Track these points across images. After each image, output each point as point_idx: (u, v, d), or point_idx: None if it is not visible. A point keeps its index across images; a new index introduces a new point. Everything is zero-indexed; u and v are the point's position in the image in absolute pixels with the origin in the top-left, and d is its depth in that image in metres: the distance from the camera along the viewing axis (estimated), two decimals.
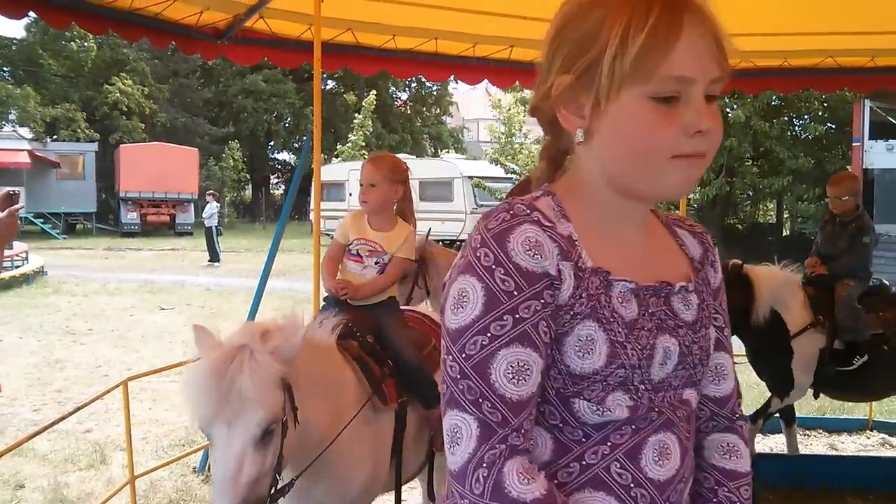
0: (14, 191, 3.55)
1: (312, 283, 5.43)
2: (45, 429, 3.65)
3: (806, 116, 21.74)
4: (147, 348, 10.47)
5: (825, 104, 20.78)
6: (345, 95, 43.53)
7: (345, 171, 30.32)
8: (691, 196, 20.02)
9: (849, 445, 6.62)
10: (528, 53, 6.24)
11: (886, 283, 5.92)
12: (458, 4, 5.53)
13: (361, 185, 3.93)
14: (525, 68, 6.40)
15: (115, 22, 4.68)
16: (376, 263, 3.65)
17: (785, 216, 29.33)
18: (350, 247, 3.70)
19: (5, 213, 3.51)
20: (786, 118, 20.85)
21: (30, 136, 36.94)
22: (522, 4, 5.65)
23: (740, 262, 5.23)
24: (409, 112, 50.67)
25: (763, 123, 19.75)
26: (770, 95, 18.83)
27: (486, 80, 6.58)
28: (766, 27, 6.04)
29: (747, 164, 20.94)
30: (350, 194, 30.05)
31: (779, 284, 5.37)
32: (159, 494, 5.42)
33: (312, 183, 23.51)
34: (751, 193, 23.59)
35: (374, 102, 35.99)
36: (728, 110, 20.34)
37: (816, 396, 6.08)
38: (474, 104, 57.21)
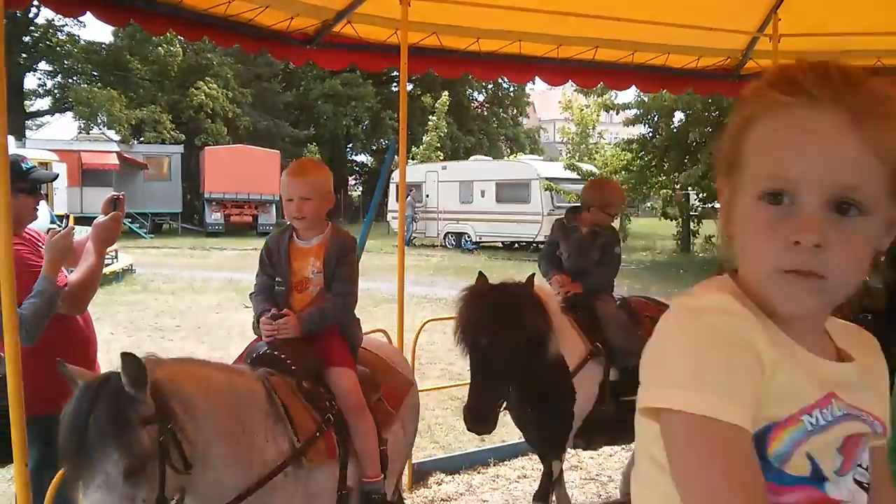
0: (119, 195, 3.69)
1: (397, 284, 5.52)
2: None
3: None
4: (233, 345, 10.68)
5: None
6: (421, 98, 43.80)
7: (421, 173, 30.58)
8: None
9: None
10: (613, 54, 6.21)
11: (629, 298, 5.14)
12: (542, 6, 5.54)
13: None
14: (610, 69, 6.38)
15: (210, 28, 4.82)
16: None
17: None
18: None
19: (109, 216, 3.65)
20: None
21: (117, 138, 38.21)
22: (607, 5, 5.63)
23: (532, 276, 4.12)
24: (485, 113, 50.70)
25: None
26: None
27: (570, 81, 6.54)
28: (858, 26, 5.89)
29: None
30: (427, 196, 30.28)
31: (557, 308, 4.34)
32: None
33: (390, 185, 23.49)
34: None
35: (447, 104, 36.18)
36: None
37: (588, 447, 4.94)
38: (551, 105, 56.94)
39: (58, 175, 3.82)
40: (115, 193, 3.78)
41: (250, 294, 3.60)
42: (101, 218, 3.70)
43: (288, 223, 3.52)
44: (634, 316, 4.74)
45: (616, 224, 4.99)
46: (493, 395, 3.78)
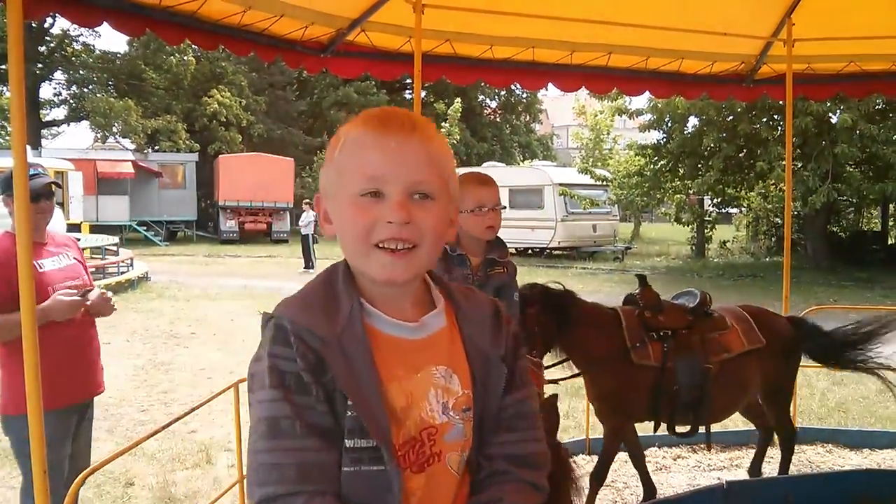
0: (87, 290, 3.88)
1: None
2: (162, 429, 3.79)
3: None
4: (248, 352, 10.61)
5: None
6: (434, 104, 43.86)
7: None
8: (796, 204, 19.40)
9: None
10: (626, 60, 6.21)
11: None
12: (555, 12, 5.54)
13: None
14: (623, 75, 6.37)
15: (226, 38, 4.85)
16: None
17: (890, 223, 28.16)
18: None
19: (69, 298, 3.74)
20: (890, 121, 20.03)
21: (132, 147, 38.50)
22: (621, 11, 5.63)
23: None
24: (498, 120, 50.70)
25: (870, 127, 19.03)
26: (876, 99, 18.14)
27: (583, 87, 6.54)
28: (872, 30, 5.87)
29: (851, 169, 20.20)
30: None
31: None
32: None
33: None
34: (855, 200, 22.74)
35: (460, 110, 36.23)
36: (831, 115, 19.70)
37: None
38: (563, 111, 56.93)
39: (52, 183, 3.84)
40: (87, 289, 3.91)
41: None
42: (67, 294, 3.77)
43: (338, 267, 1.50)
44: None
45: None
46: None
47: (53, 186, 3.94)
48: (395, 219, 1.33)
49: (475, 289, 1.62)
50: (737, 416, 7.04)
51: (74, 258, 4.04)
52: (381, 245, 1.35)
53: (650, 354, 4.75)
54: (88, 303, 3.83)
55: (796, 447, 6.34)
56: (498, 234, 3.39)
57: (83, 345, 3.97)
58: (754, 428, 5.76)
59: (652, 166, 24.16)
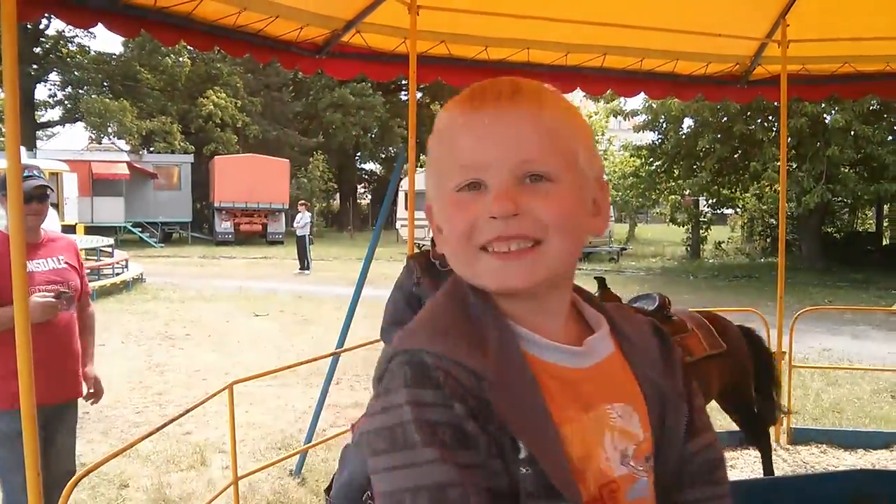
0: (62, 293, 3.86)
1: None
2: (156, 431, 3.78)
3: None
4: (243, 353, 10.73)
5: None
6: (430, 106, 43.88)
7: None
8: (790, 204, 19.44)
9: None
10: (621, 61, 6.22)
11: None
12: (549, 14, 5.55)
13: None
14: (618, 76, 6.38)
15: (221, 39, 4.85)
16: None
17: (885, 224, 28.25)
18: None
19: (43, 300, 3.72)
20: (885, 122, 20.10)
21: (127, 148, 38.45)
22: (615, 12, 5.64)
23: None
24: None
25: (865, 128, 19.09)
26: (870, 100, 18.20)
27: (578, 89, 6.55)
28: (866, 31, 5.89)
29: (845, 170, 20.28)
30: None
31: None
32: (257, 496, 5.55)
33: (398, 193, 23.59)
34: (849, 201, 22.82)
35: None
36: (826, 116, 19.77)
37: None
38: None
39: (44, 186, 3.83)
40: (63, 290, 3.89)
41: None
42: (45, 297, 3.75)
43: (461, 280, 1.10)
44: None
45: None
46: None
47: (48, 190, 3.92)
48: (497, 212, 1.02)
49: (625, 305, 1.24)
50: None
51: (66, 262, 3.99)
52: (487, 248, 1.04)
53: None
54: (63, 306, 3.82)
55: (791, 447, 6.36)
56: None
57: (58, 349, 3.91)
58: None
59: (647, 167, 24.20)
